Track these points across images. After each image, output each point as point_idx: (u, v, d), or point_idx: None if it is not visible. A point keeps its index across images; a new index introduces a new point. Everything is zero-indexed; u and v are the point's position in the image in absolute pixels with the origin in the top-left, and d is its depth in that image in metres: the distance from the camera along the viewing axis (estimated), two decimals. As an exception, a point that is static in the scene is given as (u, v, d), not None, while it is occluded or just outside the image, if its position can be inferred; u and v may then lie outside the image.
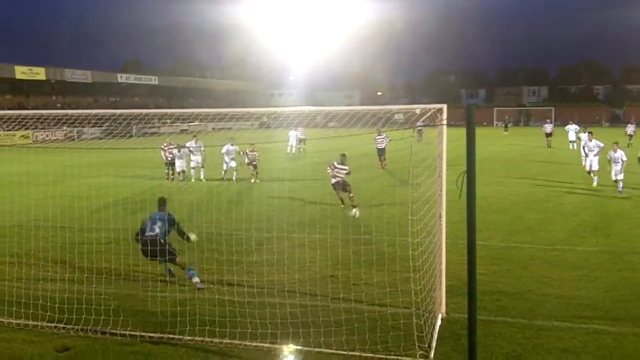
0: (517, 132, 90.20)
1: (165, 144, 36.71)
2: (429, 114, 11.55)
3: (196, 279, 14.45)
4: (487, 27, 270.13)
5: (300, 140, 55.07)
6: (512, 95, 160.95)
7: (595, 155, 32.17)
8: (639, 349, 10.86)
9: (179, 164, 35.83)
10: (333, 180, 25.95)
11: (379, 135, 40.75)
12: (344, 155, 26.20)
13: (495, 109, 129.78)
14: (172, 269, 15.10)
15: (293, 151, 54.46)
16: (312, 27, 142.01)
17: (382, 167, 40.73)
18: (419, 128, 12.28)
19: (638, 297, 13.68)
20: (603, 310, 12.79)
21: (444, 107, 11.53)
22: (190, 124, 74.90)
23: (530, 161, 40.54)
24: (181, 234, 14.93)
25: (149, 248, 14.15)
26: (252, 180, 34.63)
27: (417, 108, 11.47)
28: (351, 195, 25.05)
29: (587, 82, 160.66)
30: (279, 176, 35.57)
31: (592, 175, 31.92)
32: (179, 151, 35.82)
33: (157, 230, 14.51)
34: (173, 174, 36.19)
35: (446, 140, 11.91)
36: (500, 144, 60.17)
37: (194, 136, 37.16)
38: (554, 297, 13.58)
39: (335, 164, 25.99)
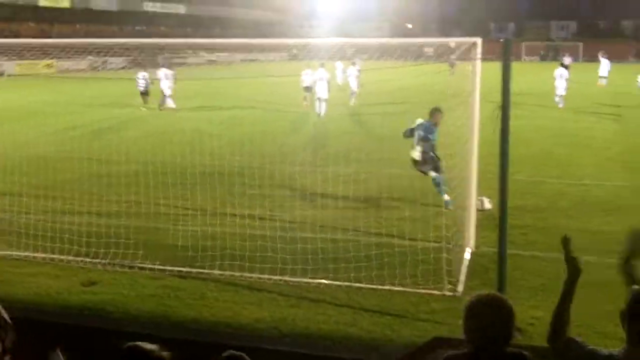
0: (546, 67, 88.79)
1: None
2: (463, 47, 11.34)
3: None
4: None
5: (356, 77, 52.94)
6: (541, 29, 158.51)
7: None
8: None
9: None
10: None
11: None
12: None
13: (523, 43, 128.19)
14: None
15: (340, 83, 49.71)
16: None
17: None
18: (451, 62, 12.13)
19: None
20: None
21: (479, 40, 11.30)
22: (219, 54, 74.39)
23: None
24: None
25: None
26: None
27: (452, 42, 11.26)
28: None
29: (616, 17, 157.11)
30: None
31: None
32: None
33: None
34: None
35: (480, 75, 11.73)
36: (526, 80, 58.82)
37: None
38: (581, 232, 13.38)
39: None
